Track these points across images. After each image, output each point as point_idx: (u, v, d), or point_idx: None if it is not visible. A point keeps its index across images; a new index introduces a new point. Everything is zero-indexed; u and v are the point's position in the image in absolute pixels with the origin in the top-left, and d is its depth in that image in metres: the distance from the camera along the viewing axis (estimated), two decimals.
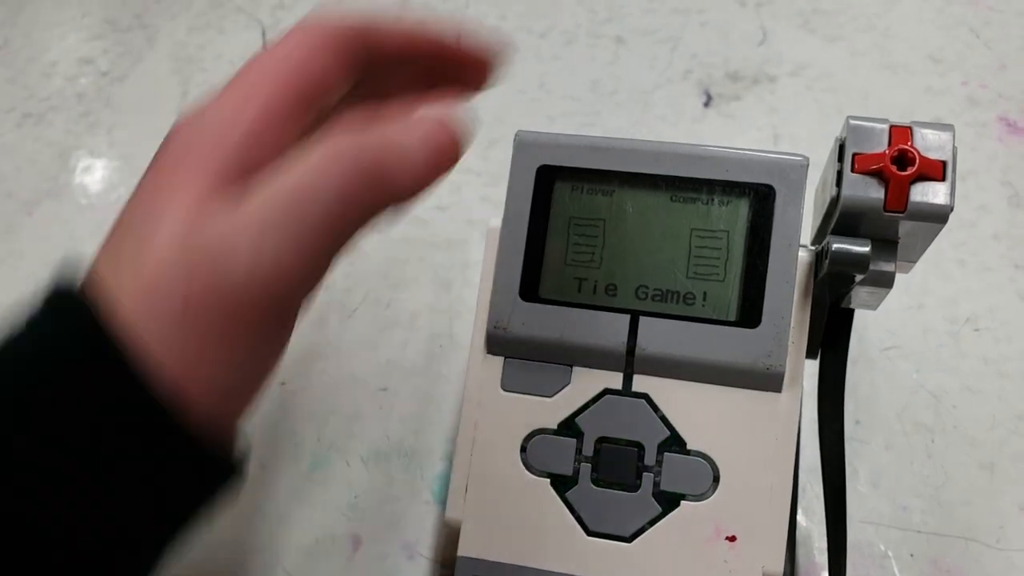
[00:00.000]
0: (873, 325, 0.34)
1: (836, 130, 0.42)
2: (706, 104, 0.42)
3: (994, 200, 0.37)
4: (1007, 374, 0.33)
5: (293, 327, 0.23)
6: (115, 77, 0.47)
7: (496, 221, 0.24)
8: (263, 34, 0.48)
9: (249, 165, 0.22)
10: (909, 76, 0.42)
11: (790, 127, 0.41)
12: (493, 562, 0.23)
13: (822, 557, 0.29)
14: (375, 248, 0.39)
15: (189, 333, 0.20)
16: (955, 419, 0.32)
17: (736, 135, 0.41)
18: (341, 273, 0.38)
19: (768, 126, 0.41)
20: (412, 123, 0.23)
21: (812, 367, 0.26)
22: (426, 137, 0.23)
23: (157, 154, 0.23)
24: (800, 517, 0.30)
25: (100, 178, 0.43)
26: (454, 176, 0.41)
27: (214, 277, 0.20)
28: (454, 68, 0.26)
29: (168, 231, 0.21)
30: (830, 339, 0.24)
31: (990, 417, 0.32)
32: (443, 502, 0.31)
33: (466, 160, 0.42)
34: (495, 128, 0.42)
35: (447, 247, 0.38)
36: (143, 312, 0.20)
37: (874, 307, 0.24)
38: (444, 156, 0.23)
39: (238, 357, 0.21)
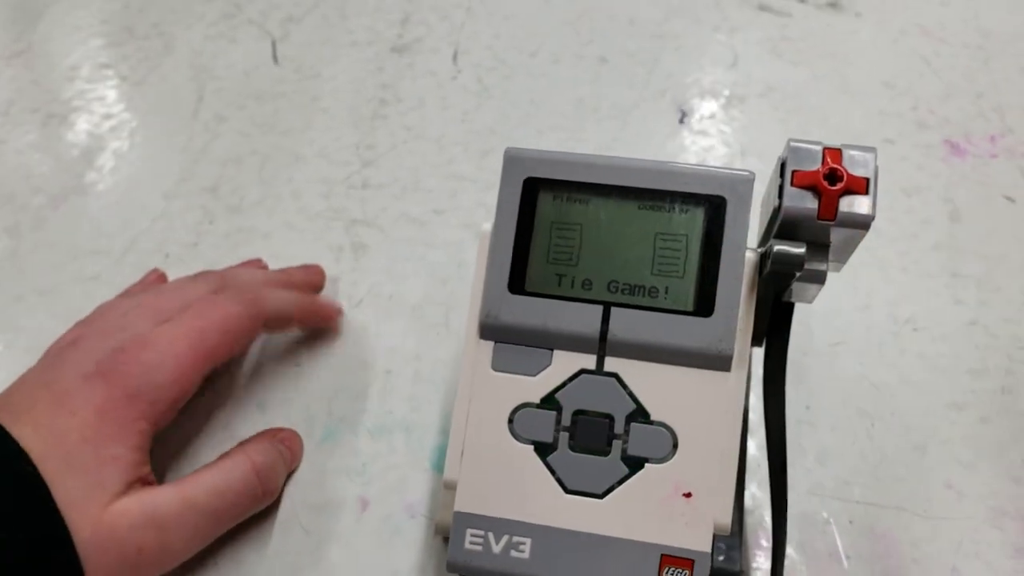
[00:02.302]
0: (823, 323, 0.38)
1: None
2: (680, 121, 0.46)
3: (936, 215, 0.41)
4: (940, 369, 0.37)
5: None
6: (134, 82, 0.51)
7: (488, 226, 0.28)
8: (273, 44, 0.51)
9: (174, 410, 0.31)
10: (864, 100, 0.46)
11: (757, 144, 0.45)
12: (485, 516, 0.26)
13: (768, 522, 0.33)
14: (379, 246, 0.42)
15: None
16: (893, 407, 0.36)
17: (707, 151, 0.45)
18: (348, 268, 0.41)
19: (736, 143, 0.45)
20: (276, 435, 0.34)
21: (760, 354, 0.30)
22: (288, 450, 0.34)
23: (101, 364, 0.30)
24: (754, 488, 0.34)
25: (124, 176, 0.46)
26: (451, 182, 0.45)
27: (157, 545, 0.28)
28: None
29: (122, 488, 0.29)
30: (774, 328, 0.28)
31: (923, 406, 0.36)
32: (440, 469, 0.34)
33: (462, 168, 0.46)
34: (489, 140, 0.46)
35: (444, 247, 0.42)
36: (100, 558, 0.27)
37: (810, 301, 0.28)
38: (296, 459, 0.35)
39: None
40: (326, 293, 0.41)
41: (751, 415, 0.35)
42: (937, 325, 0.38)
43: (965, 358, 0.37)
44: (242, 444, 0.33)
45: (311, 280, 0.40)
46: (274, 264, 0.41)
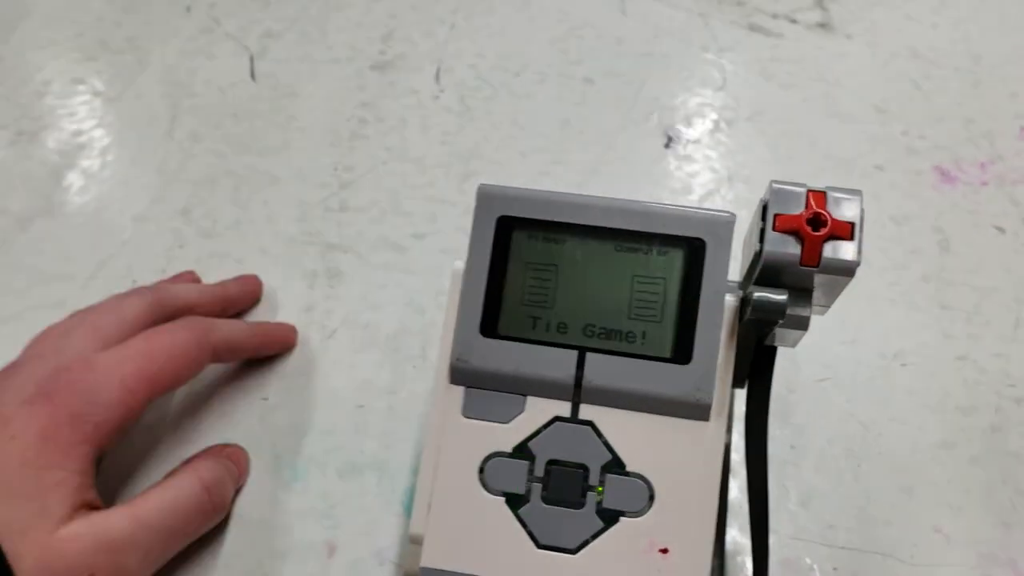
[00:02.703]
0: (809, 358, 0.37)
1: (786, 172, 0.45)
2: (666, 145, 0.45)
3: (925, 244, 0.40)
4: (929, 406, 0.36)
5: None
6: (108, 98, 0.49)
7: (460, 264, 0.27)
8: (251, 60, 0.50)
9: (119, 434, 0.30)
10: (854, 124, 0.45)
11: (744, 169, 0.44)
12: (453, 572, 0.25)
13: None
14: (355, 272, 0.41)
15: None
16: (880, 446, 0.35)
17: (692, 176, 0.43)
18: (322, 296, 0.40)
19: (723, 168, 0.44)
20: (223, 451, 0.34)
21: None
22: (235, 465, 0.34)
23: (43, 386, 0.29)
24: (735, 532, 0.33)
25: (94, 196, 0.45)
26: (431, 205, 0.44)
27: (111, 569, 0.28)
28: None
29: (68, 513, 0.28)
30: (755, 372, 0.27)
31: (912, 445, 0.35)
32: (411, 512, 0.33)
33: (442, 191, 0.45)
34: (470, 162, 0.45)
35: (423, 273, 0.41)
36: None
37: (793, 345, 0.27)
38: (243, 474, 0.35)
39: None
40: (298, 321, 0.39)
41: (734, 455, 0.33)
42: (926, 360, 0.37)
43: (954, 395, 0.36)
44: (189, 461, 0.33)
45: (248, 291, 0.39)
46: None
